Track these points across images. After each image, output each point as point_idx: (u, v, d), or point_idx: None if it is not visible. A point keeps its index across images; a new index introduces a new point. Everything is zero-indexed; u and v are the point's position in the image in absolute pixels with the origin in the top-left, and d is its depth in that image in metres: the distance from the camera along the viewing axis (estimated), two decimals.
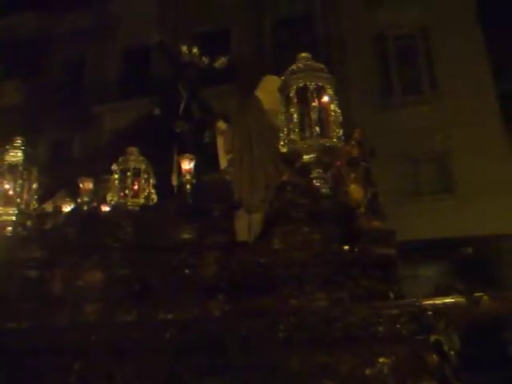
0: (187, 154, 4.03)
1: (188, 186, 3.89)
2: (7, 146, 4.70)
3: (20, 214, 4.54)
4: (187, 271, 3.51)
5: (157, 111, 5.06)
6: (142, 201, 3.86)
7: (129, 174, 3.89)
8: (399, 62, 12.80)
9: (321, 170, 3.40)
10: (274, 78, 4.19)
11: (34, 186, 4.74)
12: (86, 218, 4.16)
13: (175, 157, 4.81)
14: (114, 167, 3.95)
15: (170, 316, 3.36)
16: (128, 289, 3.44)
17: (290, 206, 3.08)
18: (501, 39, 11.77)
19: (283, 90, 3.67)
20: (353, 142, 3.03)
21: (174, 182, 4.72)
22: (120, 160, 3.99)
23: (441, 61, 12.17)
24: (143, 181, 3.93)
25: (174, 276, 3.53)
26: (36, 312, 3.82)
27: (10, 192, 4.62)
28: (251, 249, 3.26)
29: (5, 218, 4.49)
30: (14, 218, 4.50)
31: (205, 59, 5.23)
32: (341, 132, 3.38)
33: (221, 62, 5.23)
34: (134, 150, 4.05)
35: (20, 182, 4.61)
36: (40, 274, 3.97)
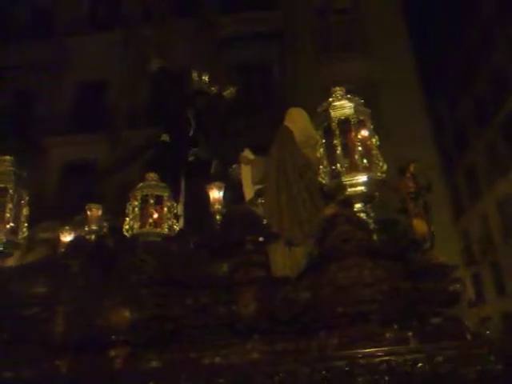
0: (217, 183, 3.81)
1: (218, 217, 3.65)
2: None
3: (9, 242, 4.01)
4: (222, 309, 3.24)
5: (165, 138, 4.80)
6: (165, 231, 3.55)
7: (151, 201, 3.57)
8: None
9: (363, 204, 3.36)
10: (300, 109, 4.15)
11: (25, 211, 4.24)
12: (96, 249, 3.75)
13: (182, 185, 4.56)
14: (135, 192, 3.63)
15: (205, 361, 3.04)
16: (159, 330, 3.09)
17: (345, 240, 2.97)
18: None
19: (321, 121, 3.64)
20: (409, 176, 3.02)
21: (179, 211, 4.44)
22: (140, 185, 3.68)
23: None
24: (166, 209, 3.63)
25: (206, 315, 3.24)
26: (38, 358, 3.32)
27: None
28: (299, 284, 3.07)
29: None
30: (1, 247, 3.97)
31: (214, 88, 5.11)
32: (385, 166, 3.38)
33: (229, 91, 5.14)
34: (153, 175, 3.76)
35: (10, 206, 4.10)
36: (42, 312, 3.49)
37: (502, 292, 18.98)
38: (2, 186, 4.13)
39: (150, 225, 3.51)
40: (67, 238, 4.15)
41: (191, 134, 4.85)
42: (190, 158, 4.71)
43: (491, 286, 20.29)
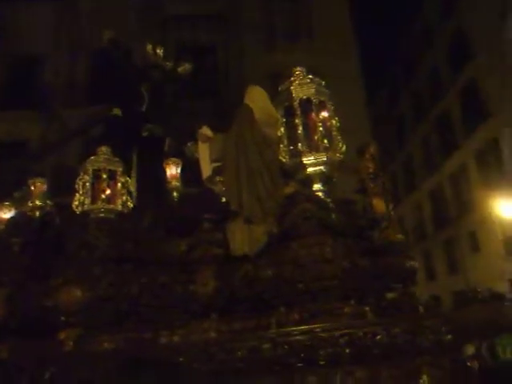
0: (173, 159, 3.68)
1: (175, 194, 3.53)
2: None
3: None
4: (179, 288, 3.16)
5: (117, 112, 4.54)
6: (119, 207, 3.38)
7: (104, 176, 3.38)
8: None
9: (321, 184, 3.41)
10: (259, 88, 4.10)
11: None
12: (41, 226, 3.50)
13: (134, 161, 4.37)
14: (87, 166, 3.42)
15: (162, 340, 2.95)
16: (113, 310, 2.95)
17: (306, 218, 2.99)
18: None
19: (282, 101, 3.62)
20: (368, 157, 3.08)
21: (131, 187, 4.26)
22: (92, 159, 3.47)
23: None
24: (119, 185, 3.46)
25: (164, 294, 3.14)
26: None
27: None
28: (259, 262, 3.06)
29: None
30: None
31: (169, 63, 4.91)
32: (344, 147, 3.43)
33: (185, 67, 4.96)
34: (106, 149, 3.56)
35: None
36: None
37: (432, 278, 20.30)
38: None
39: (103, 201, 3.33)
40: (7, 214, 3.84)
41: (144, 108, 4.65)
42: (144, 134, 4.52)
43: (422, 271, 21.65)
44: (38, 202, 3.65)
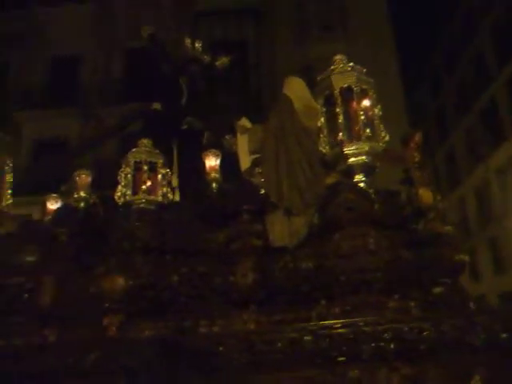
0: (213, 150, 3.68)
1: (214, 185, 3.53)
2: None
3: None
4: (218, 279, 3.16)
5: (156, 106, 4.61)
6: (159, 198, 3.42)
7: (145, 167, 3.43)
8: None
9: (363, 174, 3.31)
10: (298, 79, 4.04)
11: (9, 178, 4.03)
12: (86, 217, 3.60)
13: (175, 155, 4.41)
14: (128, 158, 3.47)
15: (202, 329, 2.97)
16: (154, 298, 2.99)
17: (348, 209, 2.91)
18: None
19: (322, 90, 3.54)
20: (413, 145, 2.96)
21: (174, 183, 4.30)
22: (133, 151, 3.52)
23: None
24: (160, 176, 3.50)
25: (203, 284, 3.15)
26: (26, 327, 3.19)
27: None
28: (299, 254, 3.01)
29: None
30: None
31: (207, 57, 4.92)
32: (387, 137, 3.32)
33: (222, 61, 4.96)
34: (147, 142, 3.61)
35: None
36: (29, 281, 3.34)
37: (476, 277, 19.48)
38: None
39: (144, 192, 3.37)
40: (54, 205, 3.97)
41: (183, 102, 4.68)
42: (184, 127, 4.55)
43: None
44: (82, 194, 3.75)
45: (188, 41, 4.91)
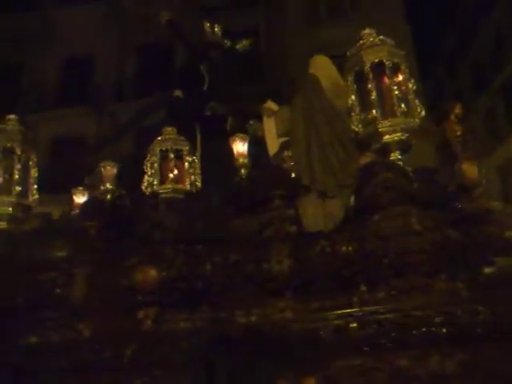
0: (240, 134, 3.57)
1: (243, 171, 3.42)
2: (1, 126, 3.93)
3: (18, 205, 3.78)
4: (252, 267, 3.06)
5: (178, 93, 4.51)
6: (187, 187, 3.32)
7: (172, 155, 3.34)
8: None
9: (399, 152, 3.15)
10: (324, 57, 3.88)
11: (34, 172, 4.00)
12: (113, 208, 3.53)
13: (198, 141, 4.31)
14: (153, 147, 3.38)
15: (240, 319, 2.87)
16: (188, 289, 2.91)
17: (387, 188, 2.76)
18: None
19: (352, 65, 3.38)
20: (454, 119, 2.79)
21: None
22: (158, 140, 3.43)
23: None
24: (187, 164, 3.40)
25: (236, 273, 3.05)
26: (60, 322, 3.16)
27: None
28: (337, 237, 2.88)
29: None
30: (10, 209, 3.74)
31: (227, 41, 4.79)
32: (423, 112, 3.15)
33: (243, 44, 4.82)
34: (171, 129, 3.51)
35: (18, 167, 3.85)
36: (61, 276, 3.30)
37: None
38: (9, 145, 3.88)
39: (171, 181, 3.28)
40: (81, 199, 3.92)
41: (205, 87, 4.57)
42: (207, 113, 4.44)
43: None
44: (108, 186, 3.68)
45: (207, 25, 4.78)
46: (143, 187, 3.40)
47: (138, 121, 8.87)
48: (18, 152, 3.89)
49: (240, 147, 3.53)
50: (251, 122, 4.40)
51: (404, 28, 13.58)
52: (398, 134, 3.05)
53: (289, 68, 12.34)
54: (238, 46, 4.83)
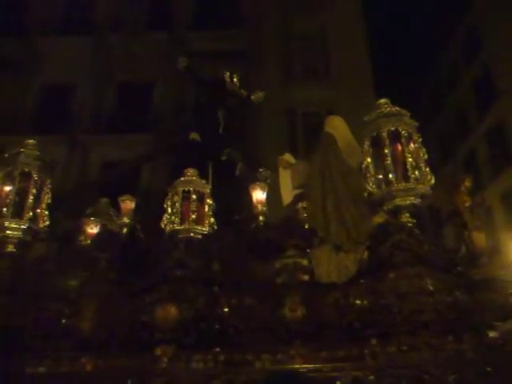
0: (259, 183, 3.75)
1: (261, 218, 3.58)
2: (21, 149, 3.97)
3: (29, 230, 3.78)
4: (266, 312, 3.17)
5: (195, 136, 4.68)
6: (206, 229, 3.45)
7: (194, 196, 3.47)
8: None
9: (409, 215, 3.40)
10: (339, 118, 4.19)
11: (47, 198, 4.02)
12: (129, 243, 3.59)
13: (210, 183, 4.46)
14: (176, 187, 3.51)
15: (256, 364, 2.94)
16: (206, 330, 2.98)
17: (401, 249, 2.98)
18: None
19: (370, 131, 3.66)
20: (463, 190, 3.08)
21: None
22: (181, 180, 3.57)
23: None
24: (207, 206, 3.54)
25: (251, 317, 3.15)
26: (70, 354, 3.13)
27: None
28: (351, 290, 3.05)
29: (9, 232, 3.70)
30: (20, 234, 3.73)
31: (243, 91, 5.06)
32: (433, 180, 3.43)
33: (257, 95, 5.10)
34: (193, 171, 3.66)
35: (33, 192, 3.88)
36: (71, 306, 3.30)
37: None
38: (27, 170, 3.92)
39: (192, 221, 3.40)
40: (93, 229, 3.95)
41: (220, 133, 4.77)
42: (223, 158, 4.62)
43: None
44: (126, 219, 3.75)
45: (227, 74, 5.04)
46: (162, 224, 3.49)
47: (147, 160, 8.92)
48: (35, 177, 3.92)
49: (260, 195, 3.71)
50: (261, 169, 4.62)
51: (372, 92, 14.33)
52: (411, 198, 3.30)
53: (263, 124, 12.70)
54: (252, 97, 5.10)
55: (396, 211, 3.36)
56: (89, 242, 3.85)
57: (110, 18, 15.54)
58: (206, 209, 3.52)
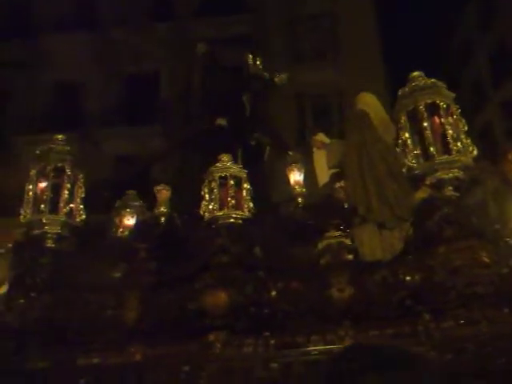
0: (296, 164, 3.70)
1: (299, 200, 3.54)
2: (52, 145, 3.95)
3: (66, 225, 3.78)
4: (313, 294, 3.14)
5: (221, 121, 4.62)
6: (246, 213, 3.41)
7: (232, 182, 3.44)
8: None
9: (452, 188, 3.32)
10: (370, 94, 4.10)
11: (81, 192, 4.01)
12: (167, 232, 3.58)
13: None
14: (213, 174, 3.48)
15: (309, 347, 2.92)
16: (257, 314, 2.96)
17: (449, 223, 2.92)
18: None
19: (405, 105, 3.57)
20: (510, 159, 3.00)
21: None
22: (217, 166, 3.53)
23: None
24: (244, 191, 3.50)
25: (298, 299, 3.13)
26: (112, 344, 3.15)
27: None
28: (400, 267, 3.01)
29: (48, 228, 3.71)
30: (59, 229, 3.73)
31: (266, 73, 4.97)
32: (475, 151, 3.35)
33: (281, 78, 5.01)
34: (227, 157, 3.62)
35: (68, 187, 3.87)
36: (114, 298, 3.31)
37: None
38: (60, 165, 3.91)
39: (232, 207, 3.37)
40: (130, 221, 3.94)
41: (246, 117, 4.71)
42: (252, 143, 4.57)
43: None
44: (163, 209, 3.73)
45: (250, 57, 4.96)
46: (201, 212, 3.47)
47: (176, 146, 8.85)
48: (69, 172, 3.91)
49: (297, 176, 3.66)
50: (290, 152, 4.56)
51: (382, 72, 14.04)
52: (454, 171, 3.22)
53: (270, 108, 12.52)
54: (276, 79, 5.02)
55: (439, 185, 3.28)
56: (126, 233, 3.85)
57: (113, 13, 15.49)
58: (244, 193, 3.48)
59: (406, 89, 3.58)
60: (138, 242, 3.58)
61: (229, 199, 3.38)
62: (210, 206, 3.40)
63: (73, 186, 3.94)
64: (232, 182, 3.43)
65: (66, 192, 3.84)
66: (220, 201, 3.42)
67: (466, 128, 3.44)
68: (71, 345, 3.20)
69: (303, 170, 3.73)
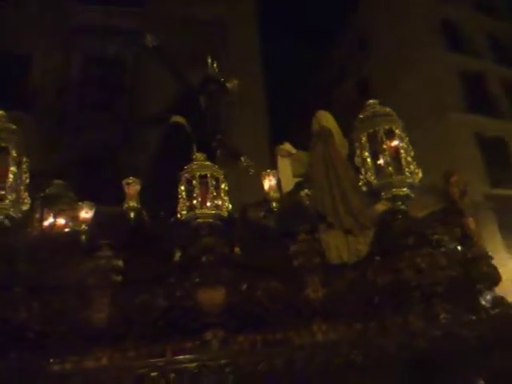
0: (271, 171, 3.82)
1: (274, 204, 3.68)
2: None
3: (11, 214, 3.30)
4: (290, 294, 3.33)
5: (179, 119, 4.45)
6: (225, 213, 3.44)
7: (213, 182, 3.44)
8: None
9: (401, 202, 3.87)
10: (327, 113, 4.49)
11: (26, 178, 3.53)
12: (136, 228, 3.40)
13: None
14: (192, 173, 3.43)
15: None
16: (249, 313, 3.03)
17: (408, 232, 3.43)
18: None
19: (365, 128, 4.03)
20: (454, 182, 3.64)
21: None
22: (194, 165, 3.49)
23: None
24: (223, 191, 3.53)
25: (276, 299, 3.28)
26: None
27: None
28: (366, 269, 3.39)
29: None
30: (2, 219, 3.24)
31: (221, 77, 4.99)
32: (420, 174, 3.95)
33: (233, 83, 5.06)
34: (201, 156, 3.61)
35: (13, 170, 3.38)
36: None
37: None
38: (3, 144, 3.39)
39: (211, 206, 3.36)
40: (88, 214, 3.58)
41: (202, 118, 4.66)
42: (214, 144, 4.52)
43: None
44: (132, 203, 3.49)
45: (210, 60, 4.93)
46: (179, 210, 3.38)
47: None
48: (14, 154, 3.42)
49: (272, 181, 3.80)
50: (242, 158, 4.68)
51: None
52: (404, 189, 3.77)
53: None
54: (228, 84, 5.07)
55: (393, 200, 3.79)
56: (84, 227, 3.50)
57: None
58: (222, 193, 3.51)
59: (367, 113, 4.06)
60: (101, 238, 3.31)
61: (210, 198, 3.38)
62: (189, 205, 3.35)
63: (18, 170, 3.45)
64: (213, 181, 3.43)
65: (12, 177, 3.35)
66: (201, 199, 3.39)
67: (413, 153, 4.04)
68: (31, 349, 2.81)
69: (276, 176, 3.91)
